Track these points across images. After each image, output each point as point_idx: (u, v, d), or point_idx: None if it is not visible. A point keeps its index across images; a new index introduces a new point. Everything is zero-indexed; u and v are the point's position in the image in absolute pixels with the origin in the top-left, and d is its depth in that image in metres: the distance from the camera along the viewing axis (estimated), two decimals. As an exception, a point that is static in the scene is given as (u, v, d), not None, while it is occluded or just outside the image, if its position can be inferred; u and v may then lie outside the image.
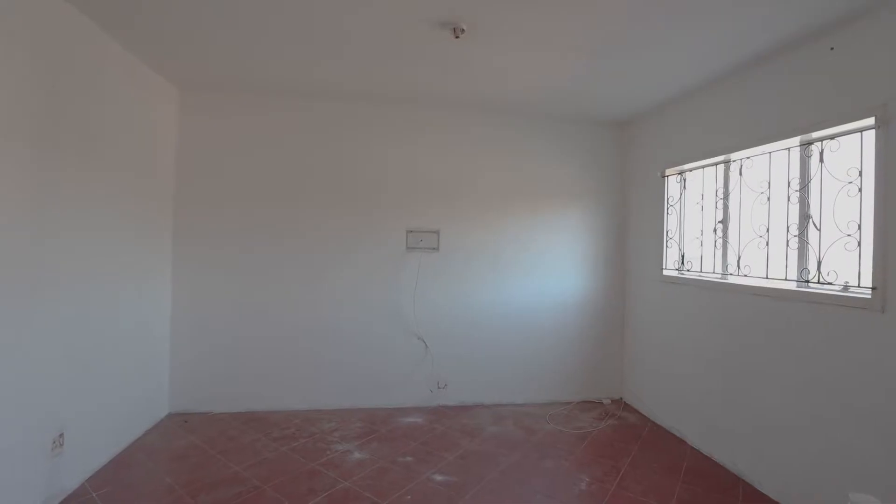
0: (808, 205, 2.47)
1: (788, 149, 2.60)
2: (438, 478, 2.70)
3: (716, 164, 3.16)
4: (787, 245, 2.57)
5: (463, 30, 2.39)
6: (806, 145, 2.50)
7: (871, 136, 2.13)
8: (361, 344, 3.75)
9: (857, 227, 2.20)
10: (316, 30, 2.50)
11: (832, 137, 2.35)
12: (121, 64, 2.77)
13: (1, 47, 1.89)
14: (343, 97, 3.63)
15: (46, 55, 2.14)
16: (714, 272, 3.15)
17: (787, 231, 2.57)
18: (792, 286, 2.50)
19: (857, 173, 2.21)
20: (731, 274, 3.01)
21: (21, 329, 2.04)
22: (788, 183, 2.59)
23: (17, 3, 1.97)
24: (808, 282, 2.44)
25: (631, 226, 4.07)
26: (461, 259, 3.89)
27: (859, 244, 2.20)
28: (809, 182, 2.48)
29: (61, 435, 2.29)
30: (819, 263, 2.39)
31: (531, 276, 3.98)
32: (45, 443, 2.20)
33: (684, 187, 3.49)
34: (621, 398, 4.10)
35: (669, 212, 3.61)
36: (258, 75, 3.20)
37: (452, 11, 2.26)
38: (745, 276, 2.87)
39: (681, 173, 3.51)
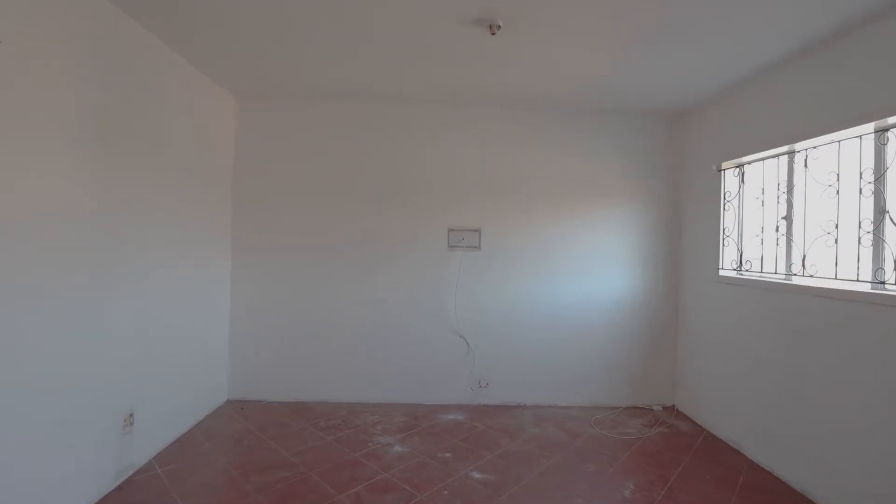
0: (884, 198, 2.23)
1: (860, 136, 2.36)
2: (476, 475, 2.70)
3: (778, 155, 2.93)
4: (859, 243, 2.34)
5: (499, 26, 2.39)
6: (881, 132, 2.26)
7: (959, 118, 1.89)
8: (404, 341, 3.83)
9: (942, 221, 1.96)
10: (355, 37, 2.60)
11: (913, 122, 2.11)
12: (185, 76, 3.03)
13: (78, 61, 2.13)
14: (384, 99, 3.72)
15: (119, 69, 2.39)
16: (776, 272, 2.92)
17: (860, 227, 2.34)
18: (865, 287, 2.27)
19: (943, 161, 1.97)
20: (795, 274, 2.78)
21: (98, 316, 2.28)
22: (860, 174, 2.35)
23: (92, 23, 2.21)
24: (883, 283, 2.21)
25: (685, 223, 3.86)
26: (503, 258, 3.87)
27: (946, 241, 1.96)
28: (885, 173, 2.24)
29: (132, 414, 2.54)
30: (897, 262, 2.15)
31: (577, 275, 3.89)
32: (118, 421, 2.44)
33: (743, 181, 3.26)
34: (673, 405, 3.89)
35: (726, 208, 3.39)
36: (304, 82, 3.38)
37: (488, 9, 2.27)
38: (811, 276, 2.64)
39: (739, 166, 3.29)
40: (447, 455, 2.94)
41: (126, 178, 2.46)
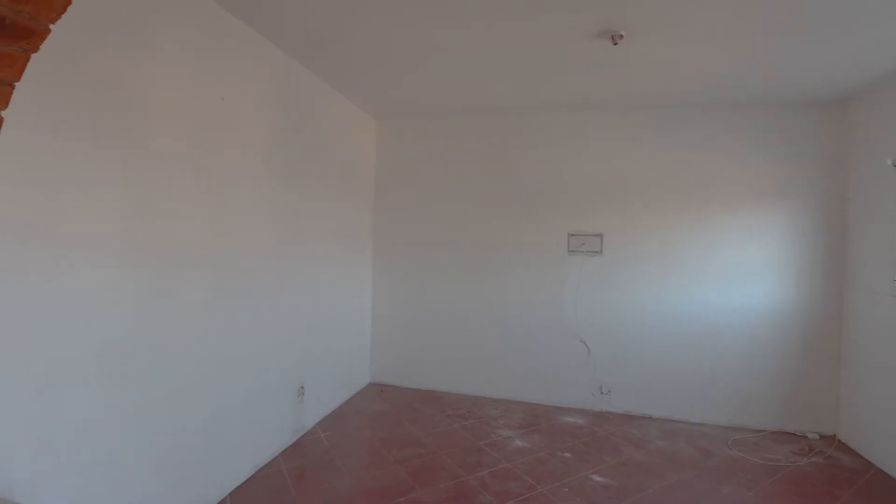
0: None
1: None
2: (597, 478, 2.75)
3: (982, 146, 2.43)
4: None
5: (622, 35, 2.44)
6: None
7: None
8: (525, 341, 3.99)
9: None
10: (477, 60, 2.88)
11: None
12: (339, 105, 3.64)
13: (268, 101, 2.75)
14: (505, 111, 3.94)
15: (293, 104, 3.00)
16: (979, 286, 2.43)
17: None
18: None
19: None
20: None
21: (278, 308, 2.89)
22: None
23: (278, 74, 2.83)
24: None
25: (849, 227, 3.36)
26: (626, 263, 3.79)
27: None
28: None
29: (302, 387, 3.14)
30: None
31: (713, 281, 3.63)
32: (294, 391, 3.05)
33: (931, 178, 2.76)
34: (834, 435, 3.40)
35: (908, 209, 2.89)
36: (436, 102, 3.78)
37: (608, 23, 2.34)
38: None
39: (926, 161, 2.78)
40: (567, 455, 3.03)
41: (298, 189, 3.06)
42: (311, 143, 3.19)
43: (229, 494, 2.41)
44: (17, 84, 1.19)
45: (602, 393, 3.83)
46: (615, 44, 2.50)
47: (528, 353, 3.99)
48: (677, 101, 3.53)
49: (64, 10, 1.16)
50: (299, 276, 3.08)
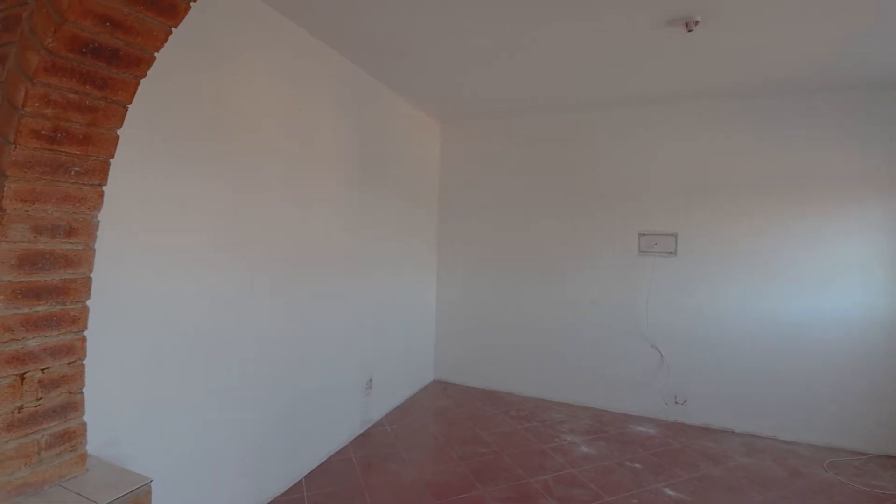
0: None
1: None
2: (670, 492, 2.60)
3: None
4: None
5: (696, 22, 2.28)
6: None
7: None
8: (592, 345, 3.86)
9: None
10: (542, 60, 2.83)
11: None
12: (404, 111, 3.76)
13: (340, 110, 2.91)
14: (570, 108, 3.84)
15: (363, 113, 3.14)
16: None
17: None
18: None
19: None
20: None
21: (348, 304, 3.03)
22: None
23: (349, 84, 2.99)
24: None
25: None
26: (704, 264, 3.53)
27: None
28: None
29: (371, 380, 3.28)
30: None
31: (805, 285, 3.27)
32: (363, 384, 3.19)
33: None
34: (962, 464, 2.94)
35: None
36: (500, 103, 3.77)
37: (681, 8, 2.20)
38: None
39: None
40: (637, 466, 2.89)
41: (369, 191, 3.20)
42: (379, 147, 3.32)
43: (305, 477, 2.59)
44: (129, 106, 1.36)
45: (677, 403, 3.60)
46: (689, 31, 2.35)
47: (594, 357, 3.85)
48: (759, 89, 3.24)
49: (166, 39, 1.31)
50: (370, 274, 3.23)
